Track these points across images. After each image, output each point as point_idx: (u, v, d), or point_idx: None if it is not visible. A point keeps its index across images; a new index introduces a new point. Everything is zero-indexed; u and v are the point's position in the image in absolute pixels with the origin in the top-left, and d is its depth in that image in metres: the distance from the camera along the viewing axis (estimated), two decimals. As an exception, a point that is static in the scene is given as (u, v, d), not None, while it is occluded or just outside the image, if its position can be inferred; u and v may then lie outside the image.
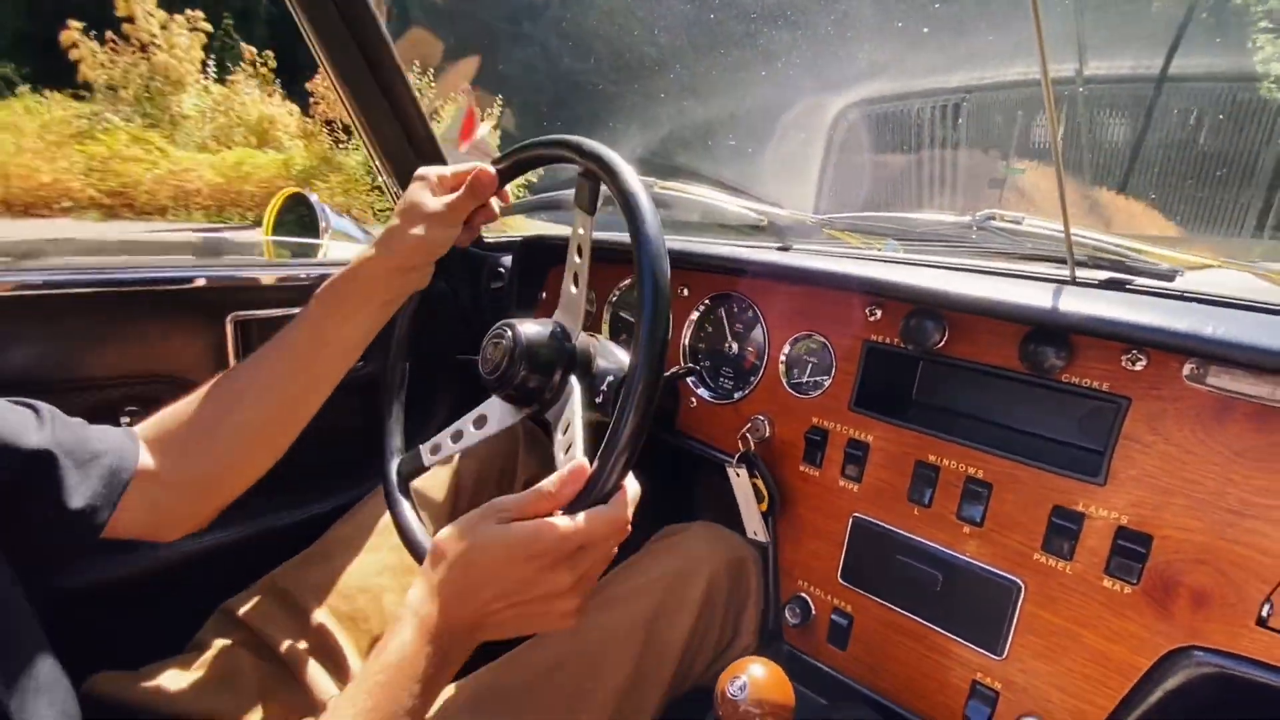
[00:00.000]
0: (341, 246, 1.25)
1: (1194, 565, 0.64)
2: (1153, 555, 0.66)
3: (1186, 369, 0.65)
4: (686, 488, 1.11)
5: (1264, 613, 0.60)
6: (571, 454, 0.66)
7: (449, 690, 0.74)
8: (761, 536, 0.91)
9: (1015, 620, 0.73)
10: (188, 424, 0.70)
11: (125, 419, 0.98)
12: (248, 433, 0.72)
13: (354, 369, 1.16)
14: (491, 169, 0.77)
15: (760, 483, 0.91)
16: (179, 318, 0.99)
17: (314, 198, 1.26)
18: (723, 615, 0.90)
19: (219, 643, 0.79)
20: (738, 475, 0.92)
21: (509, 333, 0.72)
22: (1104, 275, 0.80)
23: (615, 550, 0.60)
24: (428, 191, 0.75)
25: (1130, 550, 0.67)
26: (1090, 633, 0.69)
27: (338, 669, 0.79)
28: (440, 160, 1.23)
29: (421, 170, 0.77)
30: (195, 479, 0.69)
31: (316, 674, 0.78)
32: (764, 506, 0.91)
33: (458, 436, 0.79)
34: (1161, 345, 0.64)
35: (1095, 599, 0.69)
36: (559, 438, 0.70)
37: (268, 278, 1.07)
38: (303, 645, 0.80)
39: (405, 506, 0.76)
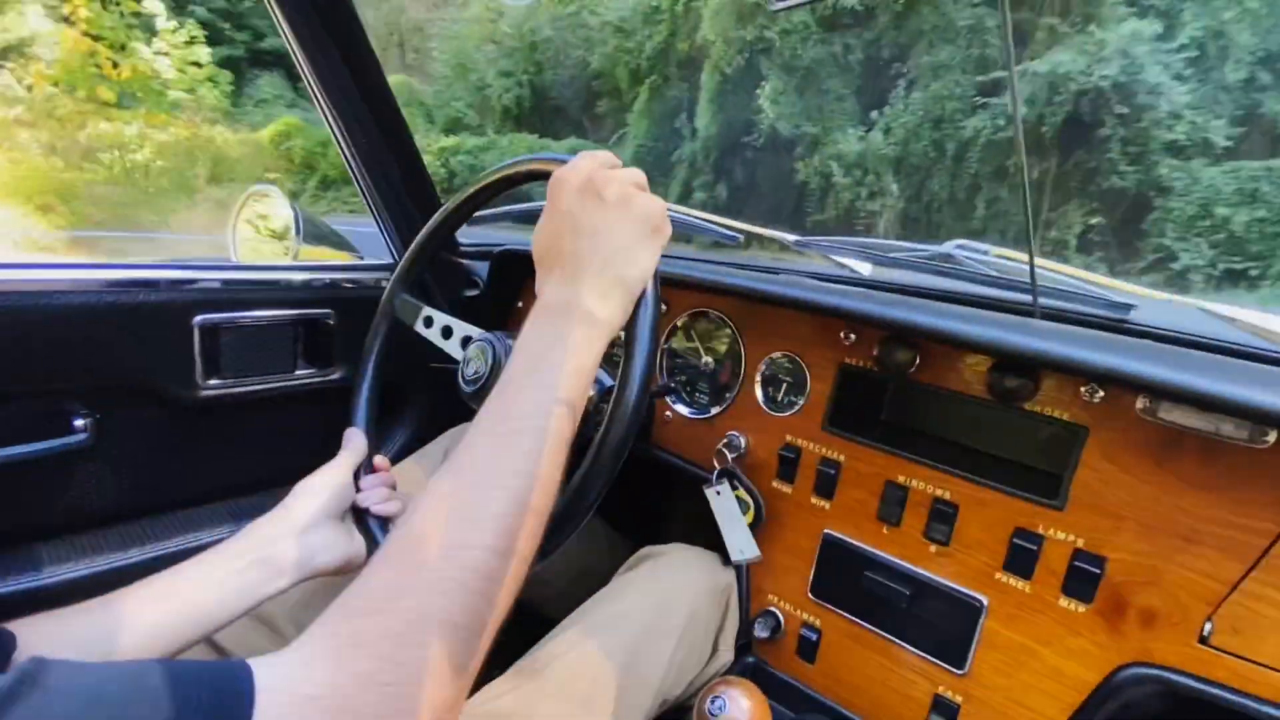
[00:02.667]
0: (314, 249, 1.23)
1: (1144, 586, 0.68)
2: (1106, 576, 0.70)
3: (1140, 403, 0.69)
4: (661, 505, 1.13)
5: (1205, 631, 0.65)
6: None
7: None
8: (749, 554, 0.92)
9: (978, 637, 0.77)
10: None
11: (80, 421, 0.94)
12: None
13: (324, 375, 1.14)
14: (359, 431, 0.83)
15: (745, 494, 0.93)
16: (140, 321, 0.96)
17: (284, 196, 1.23)
18: (703, 637, 0.90)
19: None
20: (718, 494, 0.94)
21: (492, 342, 0.72)
22: (1065, 305, 0.85)
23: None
24: (312, 480, 0.78)
25: (1085, 572, 0.70)
26: (1047, 649, 0.73)
27: None
28: (431, 191, 1.22)
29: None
30: None
31: None
32: (749, 518, 0.92)
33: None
34: (1116, 381, 0.69)
35: (1052, 617, 0.73)
36: None
37: (235, 279, 1.05)
38: None
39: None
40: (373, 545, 0.78)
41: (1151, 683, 0.67)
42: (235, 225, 1.21)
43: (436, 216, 0.86)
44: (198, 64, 11.20)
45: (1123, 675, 0.68)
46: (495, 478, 0.47)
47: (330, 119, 1.12)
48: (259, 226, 1.22)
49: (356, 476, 0.81)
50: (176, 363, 0.98)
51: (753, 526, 0.93)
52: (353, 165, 1.16)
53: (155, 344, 0.97)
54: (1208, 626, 0.65)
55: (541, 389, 0.52)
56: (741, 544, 0.92)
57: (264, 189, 1.22)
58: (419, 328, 0.86)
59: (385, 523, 0.81)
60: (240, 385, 1.05)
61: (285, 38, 1.03)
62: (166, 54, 10.54)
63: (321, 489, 0.77)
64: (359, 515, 0.80)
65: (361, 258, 1.23)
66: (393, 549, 0.44)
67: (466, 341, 0.81)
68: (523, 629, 0.89)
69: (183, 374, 0.99)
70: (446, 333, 0.84)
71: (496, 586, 0.44)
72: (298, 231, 1.16)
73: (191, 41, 11.03)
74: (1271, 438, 0.62)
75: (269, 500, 1.09)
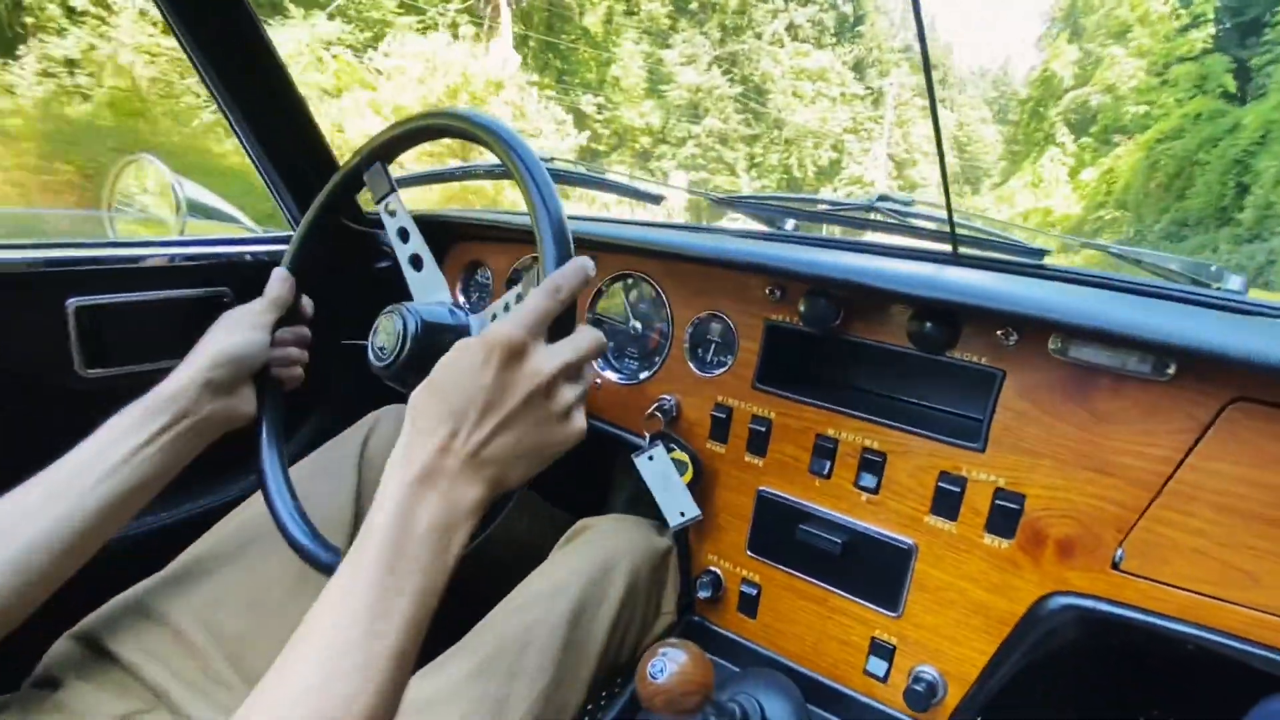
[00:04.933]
0: (200, 223, 1.13)
1: (1061, 519, 0.71)
2: (1026, 512, 0.72)
3: (1052, 344, 0.71)
4: (599, 477, 1.11)
5: (1117, 558, 0.68)
6: None
7: None
8: (690, 514, 0.91)
9: (909, 580, 0.79)
10: None
11: None
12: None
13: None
14: (284, 270, 0.80)
15: (682, 454, 0.92)
16: (7, 306, 0.85)
17: (163, 166, 1.12)
18: (644, 602, 0.90)
19: (70, 674, 0.70)
20: (650, 459, 0.92)
21: (402, 313, 0.67)
22: (983, 253, 0.86)
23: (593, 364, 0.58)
24: (231, 314, 0.77)
25: (1007, 509, 0.73)
26: (973, 586, 0.76)
27: (223, 700, 0.72)
28: (328, 156, 1.14)
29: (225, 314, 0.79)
30: None
31: (195, 706, 0.70)
32: (688, 478, 0.91)
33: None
34: (1029, 321, 0.70)
35: (978, 555, 0.75)
36: None
37: (114, 256, 0.95)
38: (179, 673, 0.72)
39: (296, 524, 0.70)
40: (264, 410, 0.77)
41: (1070, 610, 0.70)
42: (110, 200, 1.09)
43: (327, 187, 0.79)
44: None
45: (1044, 605, 0.71)
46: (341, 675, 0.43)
47: (211, 83, 1.02)
48: (136, 201, 1.11)
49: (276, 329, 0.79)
50: (49, 349, 0.89)
51: (691, 486, 0.93)
52: (239, 129, 1.06)
53: (22, 330, 0.87)
54: (1119, 553, 0.68)
55: (400, 600, 0.46)
56: (681, 505, 0.91)
57: (140, 157, 1.10)
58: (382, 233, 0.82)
59: (279, 392, 0.80)
60: (129, 373, 0.96)
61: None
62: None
63: (235, 327, 0.75)
64: (261, 373, 0.78)
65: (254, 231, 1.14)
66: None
67: (417, 262, 0.75)
68: (466, 609, 0.86)
69: (57, 361, 0.90)
70: (404, 235, 0.78)
71: None
72: (179, 206, 1.06)
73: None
74: (1173, 370, 0.65)
75: (167, 501, 1.02)
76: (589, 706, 0.85)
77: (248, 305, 0.78)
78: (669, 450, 0.93)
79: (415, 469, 0.49)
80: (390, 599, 0.45)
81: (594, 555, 0.90)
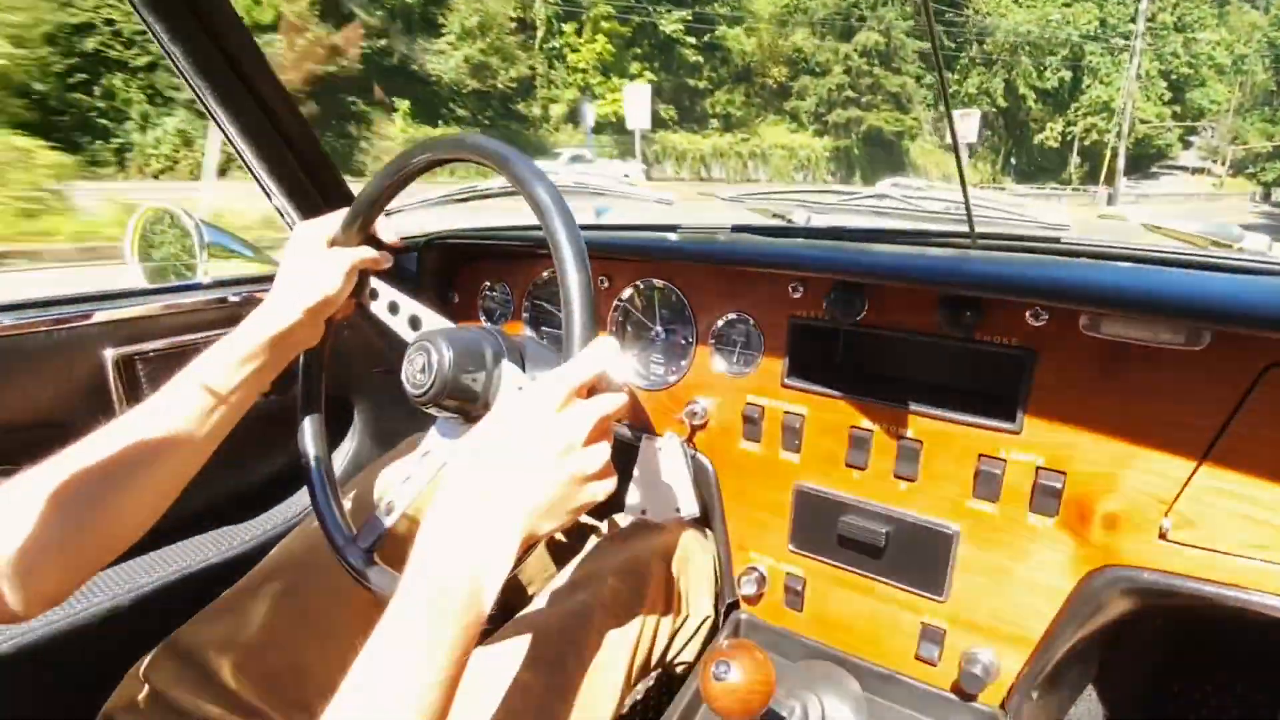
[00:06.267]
0: (221, 264, 1.14)
1: (1103, 494, 0.71)
2: (1068, 489, 0.73)
3: (1083, 320, 0.71)
4: (624, 474, 1.12)
5: (1164, 528, 0.68)
6: None
7: None
8: (686, 511, 0.94)
9: (954, 564, 0.79)
10: (53, 497, 0.61)
11: None
12: (121, 505, 0.65)
13: (259, 402, 1.08)
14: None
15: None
16: (49, 360, 0.87)
17: (181, 212, 1.13)
18: (679, 596, 0.92)
19: (131, 713, 0.72)
20: (659, 450, 0.95)
21: (431, 348, 0.68)
22: (1001, 232, 0.87)
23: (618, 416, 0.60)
24: (310, 246, 0.77)
25: (1048, 488, 0.73)
26: (1021, 565, 0.76)
27: None
28: (334, 176, 1.15)
29: (302, 226, 0.79)
30: (59, 556, 0.62)
31: None
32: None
33: (408, 480, 0.75)
34: (1057, 300, 0.70)
35: (1022, 535, 0.76)
36: None
37: (147, 306, 0.96)
38: (218, 712, 0.74)
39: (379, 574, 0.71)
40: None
41: (1120, 582, 0.70)
42: (134, 249, 1.11)
43: (377, 178, 0.78)
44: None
45: (1094, 580, 0.72)
46: None
47: (219, 117, 1.03)
48: (158, 247, 1.12)
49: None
50: (91, 401, 0.90)
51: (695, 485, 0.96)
52: (250, 161, 1.07)
53: (64, 384, 0.89)
54: (1166, 523, 0.68)
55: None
56: (645, 502, 0.97)
57: (158, 206, 1.12)
58: (365, 298, 0.82)
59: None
60: None
61: (151, 32, 0.92)
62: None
63: (335, 268, 0.75)
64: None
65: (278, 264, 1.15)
66: None
67: (415, 322, 0.76)
68: (503, 610, 0.88)
69: (100, 412, 0.91)
70: (393, 308, 0.79)
71: None
72: (201, 248, 1.07)
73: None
74: (1208, 339, 0.65)
75: (210, 541, 1.05)
76: (637, 704, 0.86)
77: (339, 234, 0.78)
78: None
79: (463, 514, 0.53)
80: (439, 640, 0.49)
81: (624, 550, 0.92)
